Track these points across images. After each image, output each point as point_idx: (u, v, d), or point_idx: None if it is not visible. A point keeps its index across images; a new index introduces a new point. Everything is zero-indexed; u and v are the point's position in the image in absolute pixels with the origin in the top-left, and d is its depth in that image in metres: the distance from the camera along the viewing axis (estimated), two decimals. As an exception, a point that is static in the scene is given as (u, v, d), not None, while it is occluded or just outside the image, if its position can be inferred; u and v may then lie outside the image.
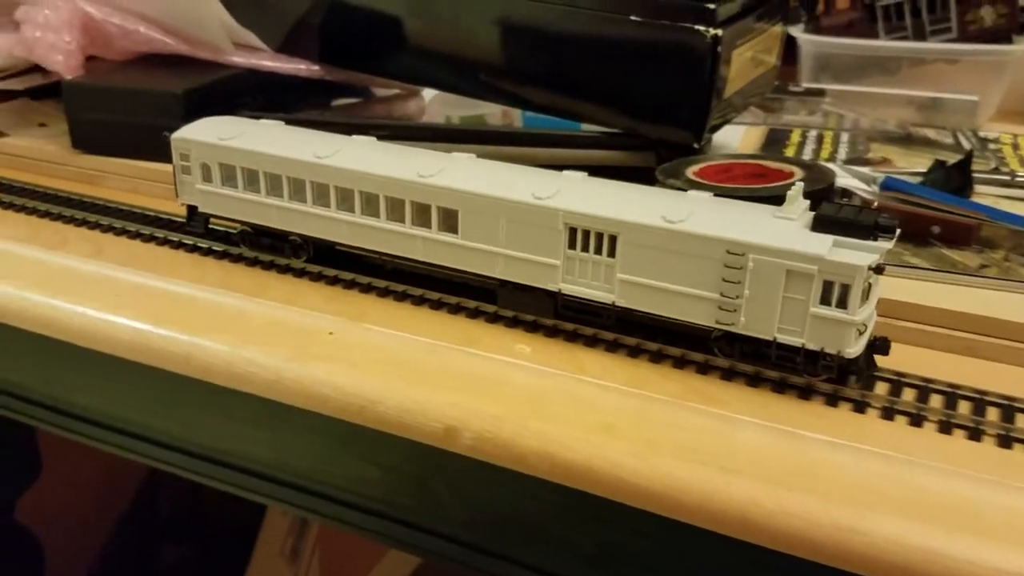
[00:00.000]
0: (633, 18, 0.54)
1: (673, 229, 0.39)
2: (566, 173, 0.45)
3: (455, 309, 0.47)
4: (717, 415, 0.39)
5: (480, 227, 0.44)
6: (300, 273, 0.51)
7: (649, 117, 0.57)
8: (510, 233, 0.43)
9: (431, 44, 0.65)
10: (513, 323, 0.46)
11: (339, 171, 0.46)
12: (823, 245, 0.37)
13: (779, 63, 0.67)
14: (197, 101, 0.61)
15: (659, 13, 0.54)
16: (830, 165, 0.62)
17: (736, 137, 0.69)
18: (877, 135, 0.73)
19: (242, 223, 0.51)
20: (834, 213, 0.38)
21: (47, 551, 0.90)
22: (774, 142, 0.69)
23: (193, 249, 0.53)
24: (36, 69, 0.73)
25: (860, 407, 0.40)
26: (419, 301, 0.48)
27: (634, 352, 0.43)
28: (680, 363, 0.42)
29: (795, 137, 0.70)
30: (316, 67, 0.69)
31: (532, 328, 0.45)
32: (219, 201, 0.51)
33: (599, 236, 0.41)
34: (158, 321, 0.46)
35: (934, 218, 0.54)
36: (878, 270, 0.37)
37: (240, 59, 0.67)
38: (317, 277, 0.50)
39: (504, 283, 0.45)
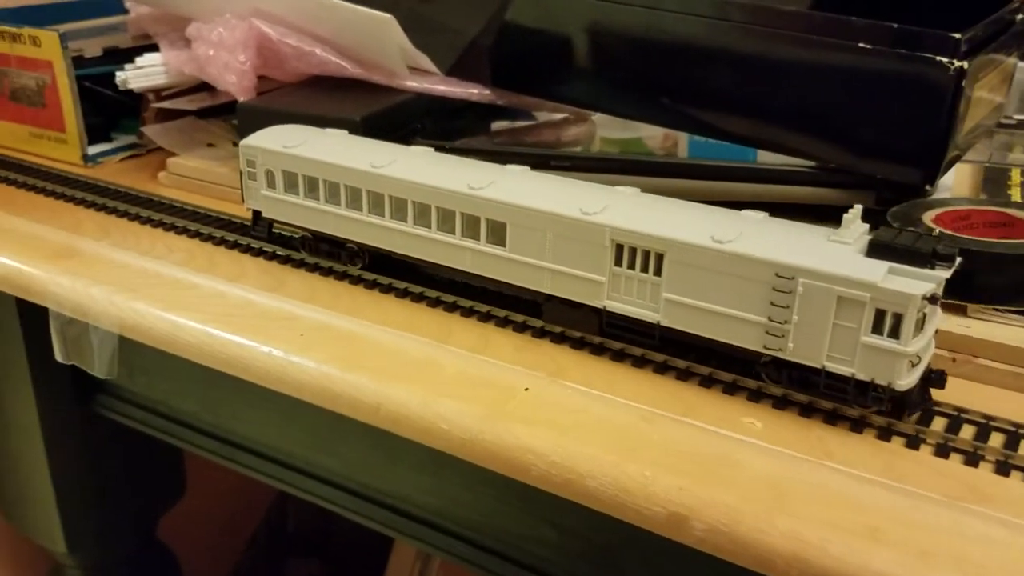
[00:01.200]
0: (862, 45, 0.49)
1: (721, 250, 0.38)
2: (618, 188, 0.44)
3: (662, 368, 0.42)
4: (998, 519, 0.33)
5: (527, 241, 0.43)
6: (486, 317, 0.47)
7: (872, 153, 0.51)
8: (557, 248, 0.43)
9: (611, 68, 0.61)
10: (732, 390, 0.41)
11: (393, 181, 0.47)
12: (877, 272, 0.35)
13: (1005, 100, 0.60)
14: (374, 127, 0.59)
15: (894, 41, 0.48)
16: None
17: (947, 176, 0.62)
18: (1105, 176, 0.64)
19: (302, 229, 0.52)
20: (891, 239, 0.36)
21: (184, 568, 0.90)
22: (991, 182, 0.62)
23: (372, 285, 0.51)
24: (203, 87, 0.72)
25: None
26: (619, 356, 0.43)
27: (884, 433, 0.38)
28: (942, 450, 0.36)
29: (1016, 177, 0.63)
30: (487, 91, 0.66)
31: (756, 397, 0.40)
32: (281, 207, 0.52)
33: (646, 254, 0.40)
34: (346, 366, 0.43)
35: None
36: (933, 300, 0.35)
37: (413, 83, 0.64)
38: (503, 322, 0.47)
39: (550, 298, 0.44)
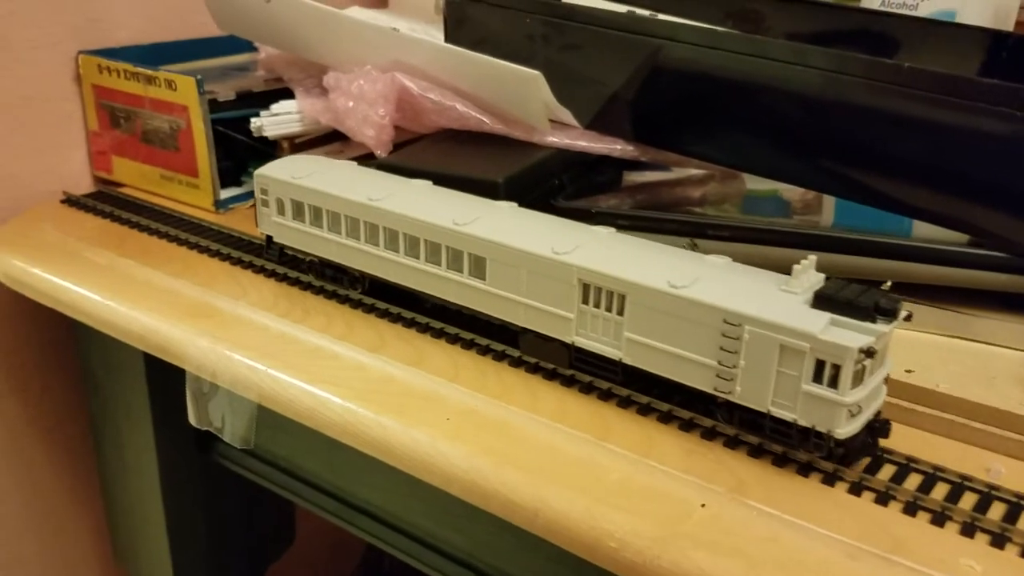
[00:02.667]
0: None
1: (675, 294, 0.40)
2: (595, 228, 0.46)
3: (857, 488, 0.38)
4: None
5: (505, 276, 0.46)
6: (646, 410, 0.44)
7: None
8: (531, 284, 0.45)
9: (770, 130, 0.57)
10: (941, 520, 0.36)
11: (387, 214, 0.50)
12: (818, 323, 0.36)
13: None
14: (515, 187, 0.56)
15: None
16: None
17: None
18: None
19: (308, 254, 0.55)
20: (835, 291, 0.37)
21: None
22: None
23: (518, 363, 0.48)
24: (337, 136, 0.71)
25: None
26: (805, 470, 0.39)
27: None
28: None
29: None
30: (631, 147, 0.63)
31: (969, 531, 0.35)
32: (290, 233, 0.55)
33: (609, 294, 0.42)
34: (499, 461, 0.40)
35: None
36: (870, 353, 0.36)
37: (554, 139, 0.61)
38: (667, 418, 0.43)
39: (526, 330, 0.46)
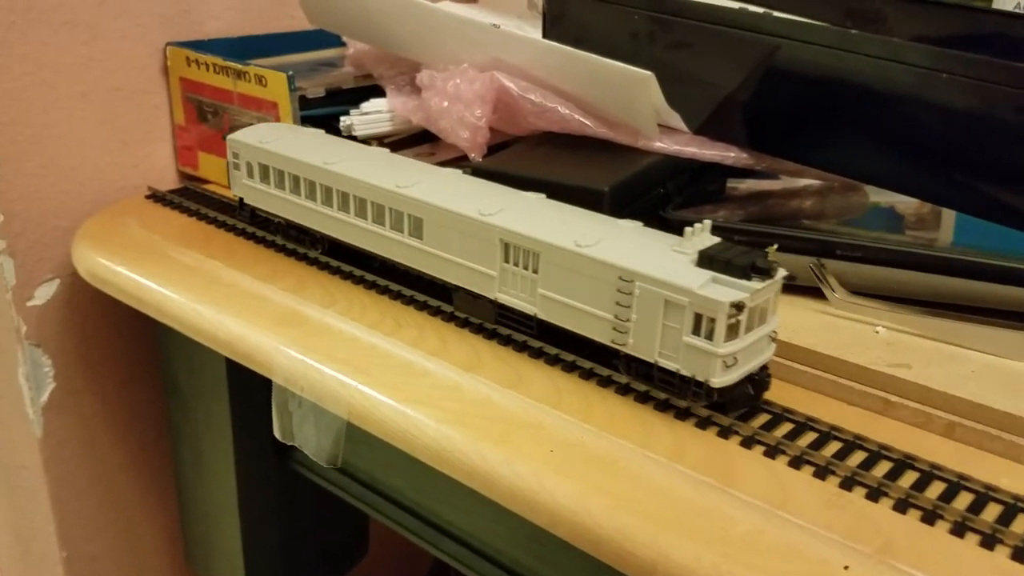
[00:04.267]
0: None
1: (579, 253, 0.43)
2: (526, 194, 0.49)
3: (1020, 554, 0.33)
4: None
5: (439, 236, 0.49)
6: (773, 452, 0.39)
7: None
8: (461, 244, 0.48)
9: (901, 137, 0.52)
10: None
11: (339, 177, 0.53)
12: (698, 280, 0.39)
13: None
14: (621, 196, 0.52)
15: None
16: None
17: None
18: None
19: (274, 215, 0.58)
20: (718, 252, 0.40)
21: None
22: None
23: (626, 391, 0.44)
24: (427, 137, 0.68)
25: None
26: (959, 529, 0.35)
27: None
28: None
29: None
30: (744, 154, 0.58)
31: None
32: (258, 195, 0.59)
33: (526, 253, 0.45)
34: (612, 504, 0.36)
35: None
36: (739, 307, 0.38)
37: (661, 144, 0.57)
38: (797, 462, 0.39)
39: (457, 288, 0.49)
